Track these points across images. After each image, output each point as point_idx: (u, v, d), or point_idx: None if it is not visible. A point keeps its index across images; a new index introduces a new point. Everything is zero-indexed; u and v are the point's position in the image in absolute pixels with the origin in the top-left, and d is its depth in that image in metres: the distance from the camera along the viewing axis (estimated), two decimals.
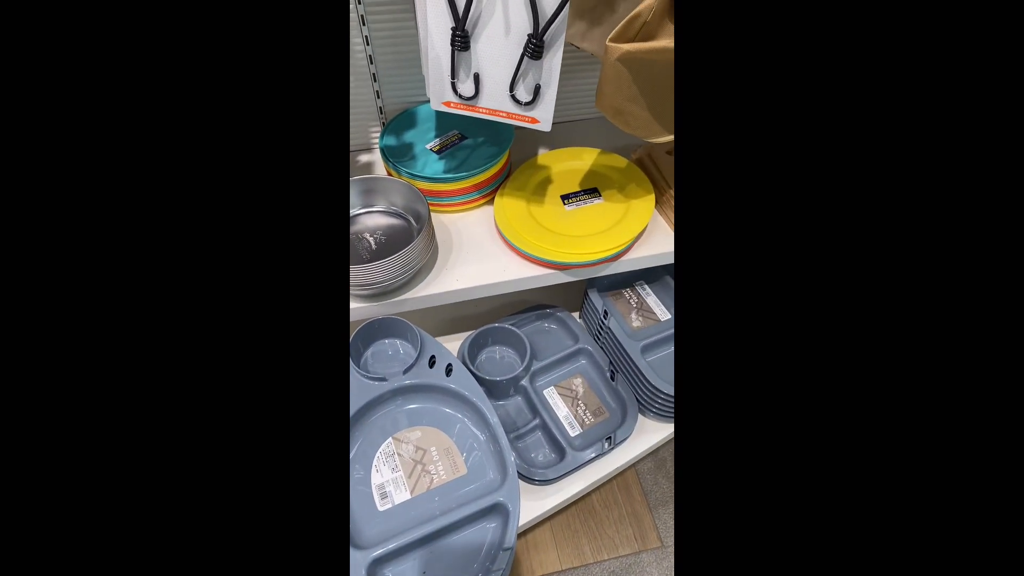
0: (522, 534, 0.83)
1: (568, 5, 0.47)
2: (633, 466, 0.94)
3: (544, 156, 0.77)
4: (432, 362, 0.61)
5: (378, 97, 0.77)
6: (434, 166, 0.70)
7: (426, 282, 0.66)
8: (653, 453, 0.95)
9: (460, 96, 0.55)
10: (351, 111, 0.77)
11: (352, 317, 0.65)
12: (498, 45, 0.51)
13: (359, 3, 0.67)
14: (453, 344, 0.75)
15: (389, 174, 0.73)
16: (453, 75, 0.53)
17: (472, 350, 0.71)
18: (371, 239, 0.66)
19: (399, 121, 0.76)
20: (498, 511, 0.55)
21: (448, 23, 0.50)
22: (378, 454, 0.57)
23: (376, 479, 0.56)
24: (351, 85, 0.74)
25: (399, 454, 0.58)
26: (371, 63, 0.73)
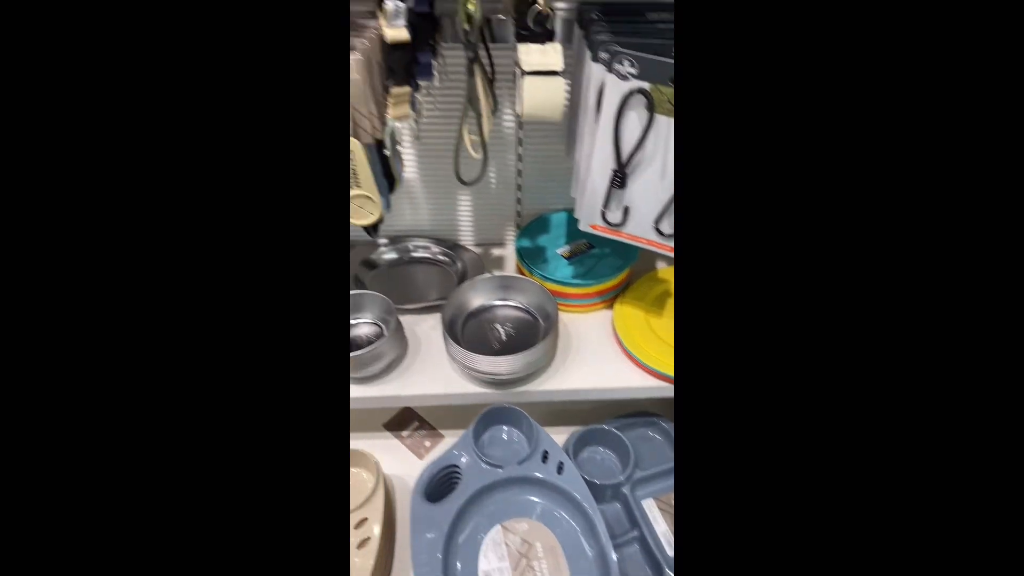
0: None
1: None
2: None
3: (664, 270, 0.82)
4: (545, 457, 0.65)
5: (518, 203, 0.87)
6: (563, 270, 0.77)
7: (544, 377, 0.71)
8: None
9: (608, 222, 0.62)
10: (496, 213, 0.87)
11: (475, 401, 0.71)
12: (652, 186, 0.57)
13: (520, 128, 0.78)
14: (558, 437, 0.78)
15: (521, 272, 0.81)
16: (605, 205, 0.61)
17: (576, 447, 0.74)
18: (501, 330, 0.73)
19: (535, 225, 0.85)
20: None
21: (611, 164, 0.57)
22: (487, 539, 0.60)
23: (483, 565, 0.58)
24: (499, 191, 0.85)
25: (507, 543, 0.60)
26: (519, 175, 0.83)
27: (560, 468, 0.63)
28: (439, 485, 0.65)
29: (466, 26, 0.47)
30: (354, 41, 0.53)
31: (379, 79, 0.56)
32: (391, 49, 0.49)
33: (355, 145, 0.54)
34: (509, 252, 0.91)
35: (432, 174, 0.82)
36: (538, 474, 0.63)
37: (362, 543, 0.61)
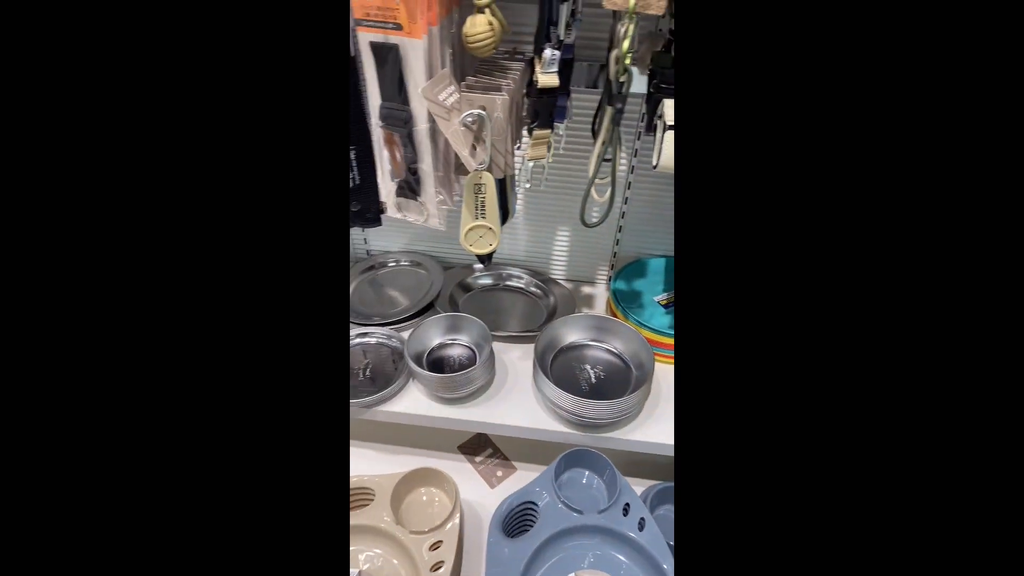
0: None
1: None
2: None
3: None
4: (626, 510, 0.63)
5: (616, 244, 0.86)
6: (660, 319, 0.76)
7: (631, 426, 0.70)
8: None
9: None
10: (592, 251, 0.88)
11: (556, 439, 0.70)
12: None
13: (631, 172, 0.79)
14: (635, 489, 0.76)
15: (613, 313, 0.80)
16: None
17: (654, 502, 0.71)
18: (592, 372, 0.72)
19: (631, 269, 0.84)
20: None
21: None
22: None
23: None
24: (599, 230, 0.85)
25: None
26: (622, 217, 0.83)
27: (641, 524, 0.61)
28: (514, 519, 0.64)
29: (621, 79, 0.48)
30: (500, 81, 0.55)
31: (516, 118, 0.58)
32: (540, 94, 0.51)
33: (488, 179, 0.56)
34: (599, 292, 0.90)
35: (534, 207, 0.84)
36: (617, 527, 0.62)
37: (435, 566, 0.61)
